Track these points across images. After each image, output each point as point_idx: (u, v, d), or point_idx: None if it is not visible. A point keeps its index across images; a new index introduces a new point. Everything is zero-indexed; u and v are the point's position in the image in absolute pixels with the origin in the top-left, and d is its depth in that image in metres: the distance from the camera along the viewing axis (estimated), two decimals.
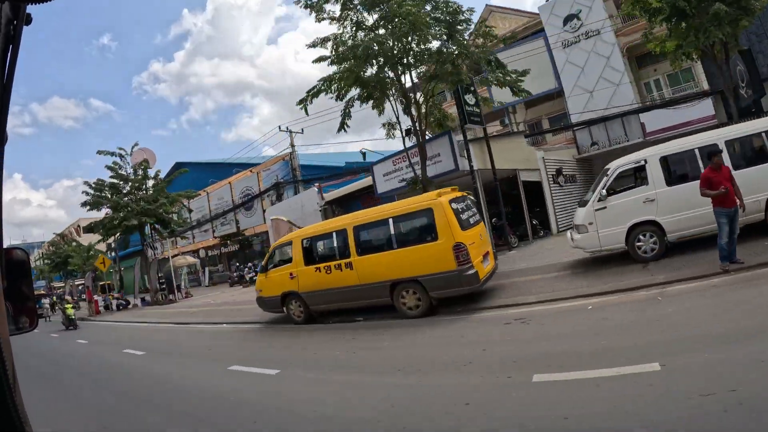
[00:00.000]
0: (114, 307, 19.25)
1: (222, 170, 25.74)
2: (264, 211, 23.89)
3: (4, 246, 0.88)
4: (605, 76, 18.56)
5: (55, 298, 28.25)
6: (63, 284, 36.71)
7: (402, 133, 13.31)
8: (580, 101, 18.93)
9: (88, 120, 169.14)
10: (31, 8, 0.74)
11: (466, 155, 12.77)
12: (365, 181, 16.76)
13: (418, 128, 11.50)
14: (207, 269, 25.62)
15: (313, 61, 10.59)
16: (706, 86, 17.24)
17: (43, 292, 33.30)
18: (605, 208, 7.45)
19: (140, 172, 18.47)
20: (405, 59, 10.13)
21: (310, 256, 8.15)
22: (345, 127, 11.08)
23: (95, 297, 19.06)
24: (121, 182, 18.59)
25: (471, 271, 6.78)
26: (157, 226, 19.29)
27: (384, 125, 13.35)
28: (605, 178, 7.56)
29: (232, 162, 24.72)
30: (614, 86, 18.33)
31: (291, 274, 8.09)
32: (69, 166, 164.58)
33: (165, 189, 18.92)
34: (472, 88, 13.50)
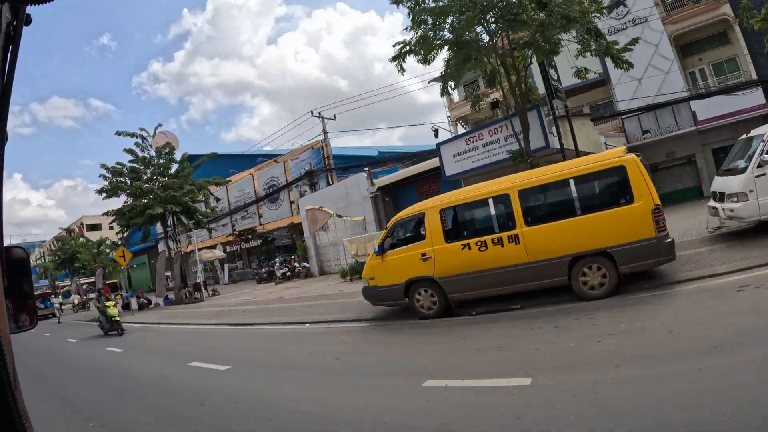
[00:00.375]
0: (134, 306, 16.98)
1: (243, 161, 23.71)
2: (291, 202, 22.08)
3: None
4: (654, 63, 17.98)
5: (61, 296, 25.36)
6: (69, 282, 33.16)
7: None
8: (627, 89, 18.27)
9: (88, 120, 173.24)
10: (30, 8, 0.73)
11: (555, 132, 11.68)
12: (428, 163, 15.35)
13: (518, 95, 10.36)
14: (226, 266, 23.45)
15: (409, 14, 9.35)
16: (753, 76, 16.91)
17: (47, 291, 30.01)
18: (765, 174, 6.71)
19: (165, 155, 16.39)
20: (518, 17, 8.95)
21: (453, 230, 6.68)
22: (448, 89, 9.85)
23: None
24: (143, 166, 16.46)
25: (669, 240, 5.58)
26: (181, 216, 17.21)
27: (467, 97, 12.24)
28: (761, 144, 6.79)
29: (255, 153, 22.75)
30: (663, 74, 17.80)
31: (423, 254, 6.52)
32: (69, 166, 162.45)
33: (191, 175, 16.90)
34: (554, 63, 12.48)
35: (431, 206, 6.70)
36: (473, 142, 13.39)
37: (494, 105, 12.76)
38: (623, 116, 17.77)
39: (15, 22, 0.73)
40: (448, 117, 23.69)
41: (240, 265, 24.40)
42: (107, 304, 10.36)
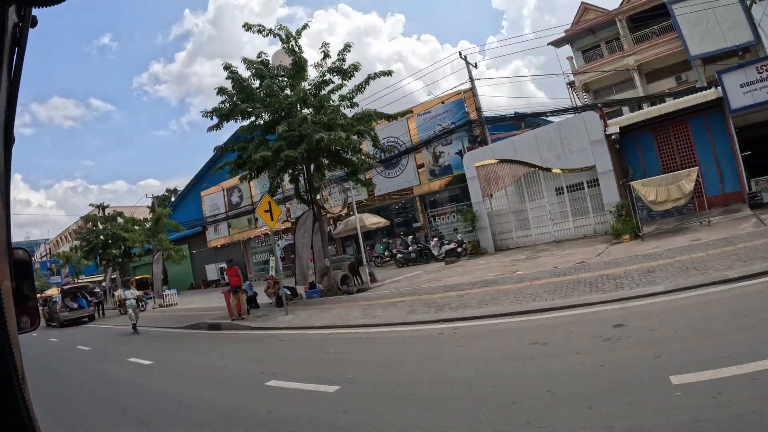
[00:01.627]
0: (273, 301, 10.23)
1: None
2: (419, 167, 16.91)
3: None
4: None
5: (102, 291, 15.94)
6: (103, 276, 21.88)
7: None
8: None
9: (88, 120, 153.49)
10: (36, 10, 0.70)
11: None
12: (679, 102, 11.81)
13: None
14: None
15: None
16: None
17: (83, 283, 19.41)
18: None
19: (334, 66, 10.11)
20: None
21: None
22: None
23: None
24: (289, 77, 10.05)
25: None
26: (323, 161, 11.04)
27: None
28: None
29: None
30: None
31: None
32: (69, 166, 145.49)
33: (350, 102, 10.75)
34: None
35: None
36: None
37: None
38: None
39: (21, 24, 0.70)
40: (569, 84, 20.80)
41: (332, 249, 18.12)
42: None
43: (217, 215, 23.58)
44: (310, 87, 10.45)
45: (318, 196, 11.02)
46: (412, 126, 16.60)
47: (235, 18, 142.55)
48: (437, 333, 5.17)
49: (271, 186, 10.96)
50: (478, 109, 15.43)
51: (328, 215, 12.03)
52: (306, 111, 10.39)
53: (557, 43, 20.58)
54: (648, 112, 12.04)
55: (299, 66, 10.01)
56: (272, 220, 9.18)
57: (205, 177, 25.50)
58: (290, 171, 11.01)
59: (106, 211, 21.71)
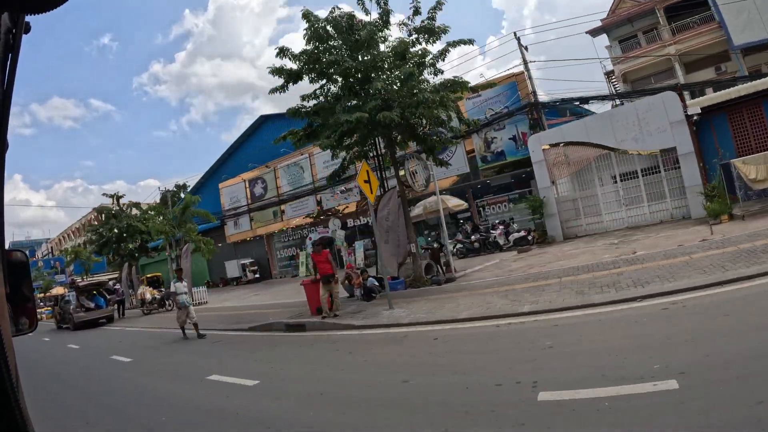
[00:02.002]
0: (357, 294, 9.14)
1: None
2: (469, 152, 16.29)
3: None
4: None
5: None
6: (117, 273, 19.33)
7: None
8: None
9: (88, 120, 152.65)
10: (28, 17, 0.69)
11: None
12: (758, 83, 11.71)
13: None
14: (360, 243, 16.10)
15: None
16: None
17: (100, 279, 17.09)
18: None
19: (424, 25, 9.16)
20: None
21: None
22: None
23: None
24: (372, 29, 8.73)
25: None
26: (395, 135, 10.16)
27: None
28: None
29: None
30: None
31: None
32: (69, 167, 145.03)
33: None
34: None
35: None
36: None
37: None
38: None
39: (14, 30, 0.70)
40: (607, 74, 20.76)
41: (369, 242, 17.15)
42: None
43: (238, 208, 22.17)
44: (389, 50, 9.59)
45: (401, 173, 10.18)
46: (461, 110, 15.96)
47: (235, 18, 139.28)
48: (660, 309, 4.54)
49: (343, 162, 10.04)
50: (534, 93, 14.99)
51: (412, 194, 11.17)
52: (384, 76, 9.52)
53: (594, 33, 20.51)
54: (725, 93, 11.92)
55: (384, 21, 9.14)
56: (371, 192, 8.28)
57: (221, 169, 23.99)
58: (360, 147, 10.12)
59: (121, 201, 19.83)
